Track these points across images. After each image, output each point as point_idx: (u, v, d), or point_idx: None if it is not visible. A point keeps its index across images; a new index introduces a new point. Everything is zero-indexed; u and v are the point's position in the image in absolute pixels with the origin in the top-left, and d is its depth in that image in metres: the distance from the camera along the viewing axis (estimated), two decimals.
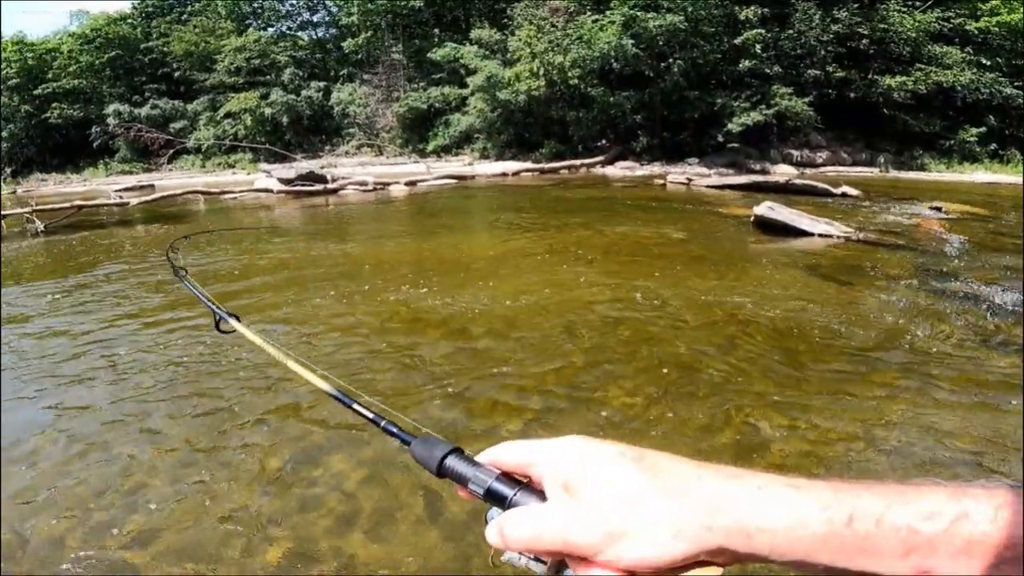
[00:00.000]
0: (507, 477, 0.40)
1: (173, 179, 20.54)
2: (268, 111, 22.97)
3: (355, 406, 0.60)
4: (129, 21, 27.05)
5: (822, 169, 16.99)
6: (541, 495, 0.38)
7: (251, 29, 26.35)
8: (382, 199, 12.97)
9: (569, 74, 17.79)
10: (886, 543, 0.30)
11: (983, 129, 17.13)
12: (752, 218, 7.59)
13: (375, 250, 6.83)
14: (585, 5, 19.48)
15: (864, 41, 17.39)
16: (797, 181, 12.27)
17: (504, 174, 17.17)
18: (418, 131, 22.66)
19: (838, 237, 6.72)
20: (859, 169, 17.19)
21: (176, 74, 25.22)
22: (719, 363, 3.34)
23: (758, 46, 16.94)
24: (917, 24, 16.89)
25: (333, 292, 4.90)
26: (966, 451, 2.50)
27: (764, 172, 15.85)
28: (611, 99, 18.28)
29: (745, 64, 16.99)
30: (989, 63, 16.99)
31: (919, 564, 0.29)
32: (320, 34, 28.36)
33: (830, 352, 3.47)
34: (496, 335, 3.80)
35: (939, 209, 8.87)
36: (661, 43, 17.31)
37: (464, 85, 20.44)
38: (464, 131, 21.04)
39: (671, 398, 2.95)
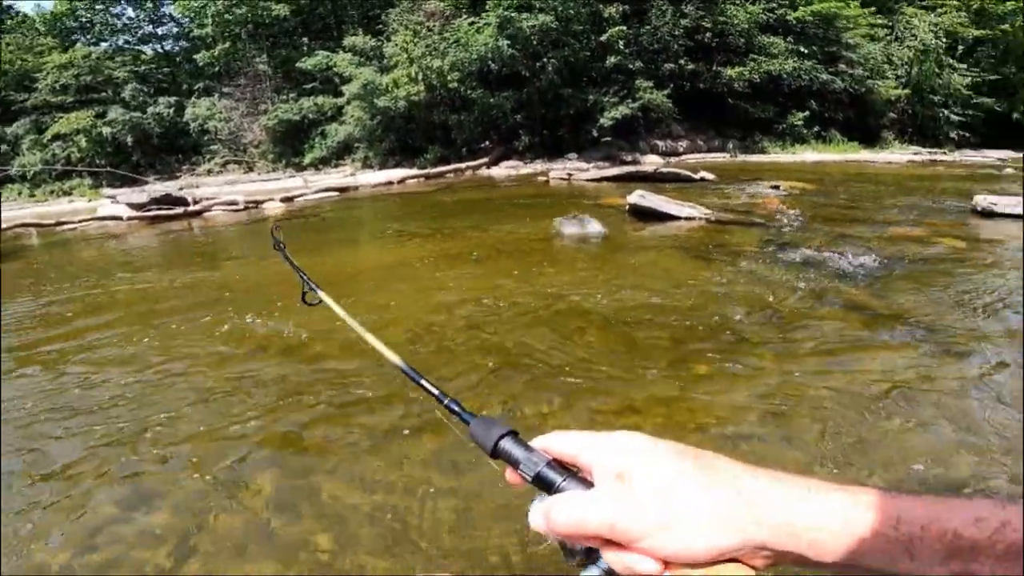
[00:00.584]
0: (558, 464, 0.41)
1: None
2: (107, 131, 20.32)
3: (422, 382, 0.61)
4: None
5: (684, 157, 18.64)
6: (587, 484, 0.39)
7: (79, 44, 23.20)
8: (256, 218, 12.02)
9: (448, 78, 17.78)
10: (930, 547, 0.31)
11: (807, 113, 19.81)
12: (627, 207, 8.10)
13: (246, 273, 6.31)
14: (461, 8, 19.57)
15: (708, 34, 19.20)
16: (664, 169, 13.36)
17: (389, 182, 16.72)
18: (291, 144, 21.32)
19: (700, 219, 7.40)
20: (714, 155, 19.10)
21: None
22: (584, 347, 3.52)
23: (621, 42, 18.13)
24: (748, 16, 18.99)
25: (183, 326, 4.43)
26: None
27: (636, 163, 17.04)
28: (491, 100, 18.55)
29: (611, 60, 18.11)
30: (807, 51, 19.54)
31: (959, 569, 0.30)
32: (167, 47, 25.62)
33: (698, 329, 3.79)
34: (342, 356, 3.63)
35: (777, 187, 10.13)
36: (535, 43, 17.89)
37: (339, 94, 19.60)
38: (343, 141, 20.17)
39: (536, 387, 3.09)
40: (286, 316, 4.30)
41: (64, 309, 5.23)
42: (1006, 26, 25.23)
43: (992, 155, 20.50)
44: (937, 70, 22.57)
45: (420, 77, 17.60)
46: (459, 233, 7.66)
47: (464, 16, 18.79)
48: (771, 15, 19.53)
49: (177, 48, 25.54)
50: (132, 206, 12.81)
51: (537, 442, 0.43)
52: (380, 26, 20.39)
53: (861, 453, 2.34)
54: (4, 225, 12.11)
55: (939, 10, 22.74)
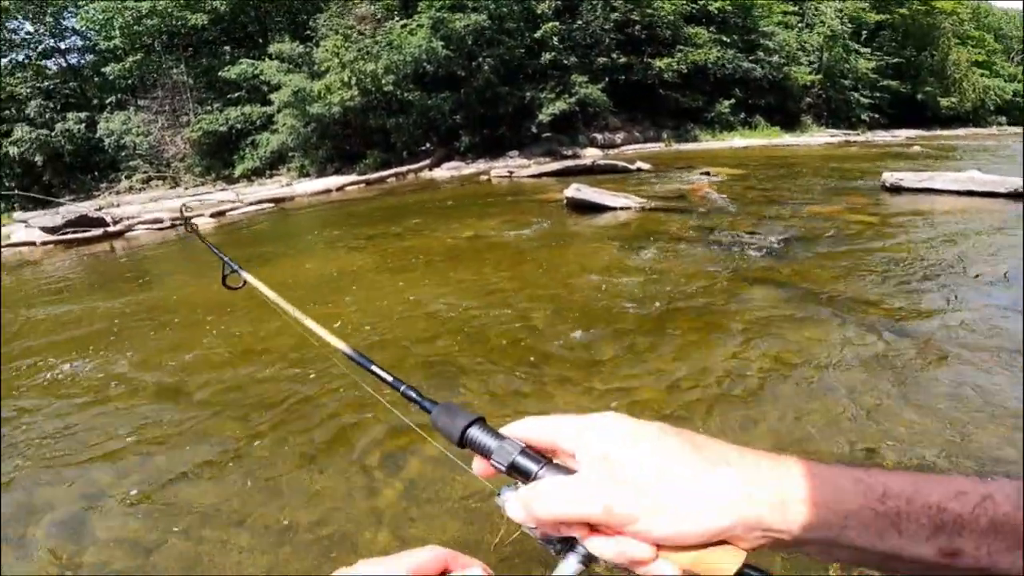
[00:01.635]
0: (532, 451, 0.39)
1: None
2: (14, 150, 18.77)
3: (374, 368, 0.57)
4: None
5: (622, 148, 19.14)
6: (567, 471, 0.37)
7: None
8: (185, 236, 11.41)
9: (383, 81, 17.44)
10: (916, 521, 0.31)
11: (732, 101, 20.78)
12: (565, 200, 8.24)
13: (171, 295, 5.99)
14: (392, 10, 19.24)
15: (637, 27, 19.75)
16: (601, 162, 13.66)
17: (328, 190, 16.24)
18: (220, 156, 20.34)
19: (634, 208, 7.62)
20: (650, 145, 19.73)
21: None
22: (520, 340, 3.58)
23: (555, 38, 18.37)
24: (674, 7, 19.68)
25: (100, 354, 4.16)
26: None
27: (576, 157, 17.32)
28: (429, 102, 18.37)
29: (546, 57, 18.34)
30: (728, 40, 20.48)
31: (945, 545, 0.30)
32: (72, 61, 23.81)
33: (631, 313, 3.91)
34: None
35: (708, 174, 10.58)
36: (469, 42, 17.85)
37: (268, 102, 18.84)
38: (276, 151, 19.41)
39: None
40: (221, 331, 4.12)
41: None
42: (904, 10, 27.32)
43: (901, 134, 22.20)
44: (845, 55, 24.18)
45: (354, 82, 17.19)
46: (401, 237, 7.56)
47: (396, 18, 18.52)
48: (694, 5, 20.34)
49: (84, 62, 23.81)
50: (46, 230, 11.89)
51: (508, 429, 0.41)
52: (308, 32, 19.77)
53: (785, 421, 2.49)
54: None
55: None
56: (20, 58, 23.21)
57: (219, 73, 19.69)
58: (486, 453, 0.40)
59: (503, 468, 0.39)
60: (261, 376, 3.44)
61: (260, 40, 21.20)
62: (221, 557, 2.00)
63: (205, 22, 20.48)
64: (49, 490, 2.52)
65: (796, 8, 24.47)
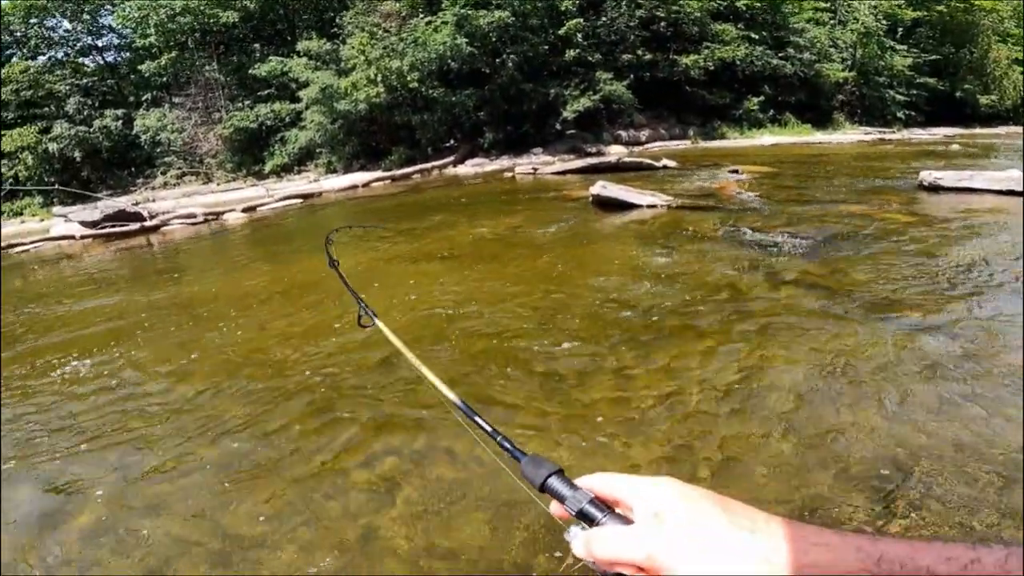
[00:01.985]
0: (599, 501, 0.47)
1: None
2: (53, 146, 19.47)
3: (477, 419, 0.66)
4: None
5: (647, 146, 18.95)
6: (625, 521, 0.45)
7: (15, 59, 22.14)
8: (218, 230, 11.71)
9: (408, 78, 17.58)
10: None
11: (761, 98, 20.37)
12: (590, 198, 8.21)
13: (215, 287, 6.17)
14: (417, 8, 19.38)
15: (662, 24, 19.51)
16: (627, 159, 13.55)
17: (354, 186, 16.48)
18: (251, 152, 20.79)
19: (661, 206, 7.55)
20: (675, 142, 19.48)
21: None
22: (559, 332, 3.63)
23: (579, 35, 18.27)
24: (700, 4, 19.39)
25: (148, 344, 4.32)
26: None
27: (600, 154, 17.22)
28: (453, 99, 18.46)
29: (570, 54, 18.25)
30: (757, 37, 20.09)
31: None
32: (110, 58, 24.59)
33: (657, 311, 3.88)
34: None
35: (736, 171, 10.40)
36: (493, 39, 17.87)
37: (296, 99, 19.19)
38: (304, 147, 19.77)
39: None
40: (251, 329, 4.24)
41: (24, 330, 5.03)
42: (942, 7, 26.42)
43: (938, 132, 21.46)
44: (879, 52, 23.49)
45: (379, 79, 17.37)
46: (427, 233, 7.63)
47: (421, 16, 18.64)
48: (721, 2, 20.00)
49: (120, 59, 24.57)
50: (85, 224, 12.32)
51: (582, 481, 0.49)
52: (335, 29, 20.05)
53: (811, 422, 2.45)
54: None
55: None
56: (59, 56, 24.08)
57: (249, 71, 20.12)
58: (561, 499, 0.49)
59: (573, 513, 0.48)
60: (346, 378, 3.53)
61: (288, 38, 21.58)
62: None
63: (236, 20, 20.91)
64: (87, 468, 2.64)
65: (828, 5, 23.87)
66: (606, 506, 0.47)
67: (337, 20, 20.12)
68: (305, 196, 15.30)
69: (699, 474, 2.20)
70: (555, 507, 0.50)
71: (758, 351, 3.17)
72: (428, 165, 18.16)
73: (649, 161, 12.48)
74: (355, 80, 17.43)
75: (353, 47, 17.81)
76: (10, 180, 19.34)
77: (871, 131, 20.91)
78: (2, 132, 19.70)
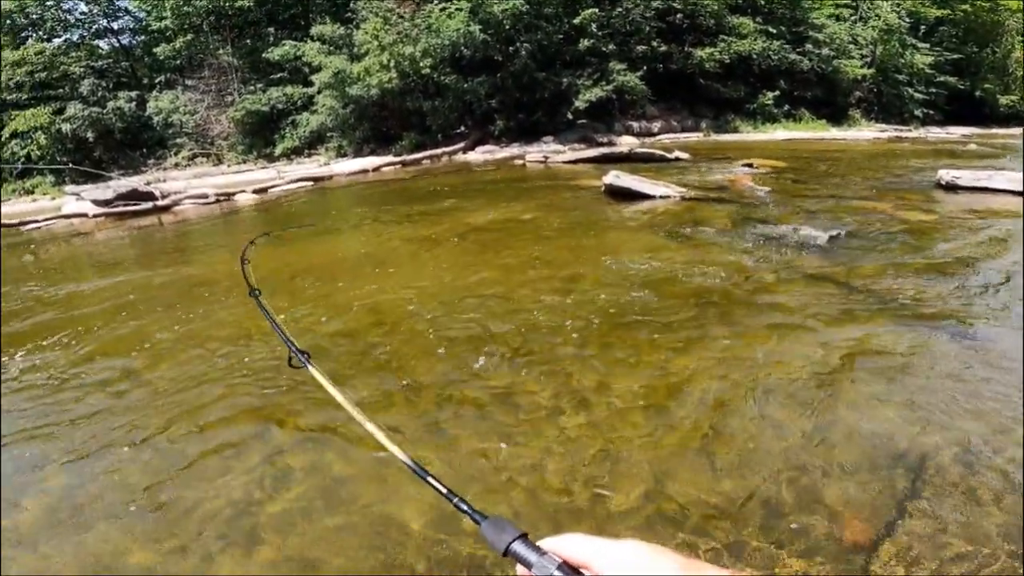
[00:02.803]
0: (567, 566, 0.46)
1: None
2: (67, 127, 19.58)
3: (429, 479, 0.62)
4: None
5: (658, 137, 18.78)
6: None
7: (30, 41, 22.25)
8: (229, 211, 11.76)
9: (421, 64, 17.50)
10: None
11: (776, 93, 20.11)
12: (603, 187, 8.16)
13: (228, 265, 6.20)
14: None
15: (678, 16, 19.26)
16: (639, 150, 13.44)
17: (364, 170, 16.47)
18: (262, 135, 20.81)
19: (674, 197, 7.49)
20: (687, 135, 19.30)
21: None
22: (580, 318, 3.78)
23: (594, 25, 18.07)
24: None
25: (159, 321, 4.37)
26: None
27: (611, 144, 17.09)
28: (465, 85, 18.35)
29: (584, 43, 18.08)
30: (775, 31, 19.81)
31: None
32: (124, 41, 24.67)
33: (671, 302, 3.87)
34: None
35: (750, 165, 10.30)
36: (507, 27, 17.72)
37: (309, 83, 19.17)
38: (315, 131, 19.77)
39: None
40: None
41: (36, 307, 5.09)
42: (966, 6, 25.91)
43: (956, 131, 21.12)
44: (900, 50, 23.10)
45: (392, 64, 17.30)
46: (436, 218, 7.62)
47: (435, 2, 18.49)
48: None
49: (135, 42, 24.63)
50: (97, 203, 12.41)
51: (548, 543, 0.49)
52: (349, 14, 19.95)
53: (822, 415, 2.44)
54: None
55: None
56: (74, 38, 24.17)
57: (263, 54, 20.09)
58: (528, 565, 0.48)
59: None
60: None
61: (302, 22, 21.50)
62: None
63: (251, 3, 20.85)
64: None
65: (850, 1, 23.43)
66: (573, 571, 0.47)
67: (351, 5, 20.01)
68: (316, 179, 15.32)
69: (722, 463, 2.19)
70: (521, 571, 0.49)
71: (770, 346, 3.15)
72: (438, 151, 18.10)
73: (661, 152, 12.38)
74: (368, 65, 17.37)
75: (367, 32, 17.73)
76: (22, 159, 19.49)
77: (887, 128, 20.62)
78: (14, 113, 19.83)
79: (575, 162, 13.33)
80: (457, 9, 17.27)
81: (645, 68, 18.81)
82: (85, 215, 12.26)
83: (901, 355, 2.91)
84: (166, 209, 12.36)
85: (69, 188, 15.84)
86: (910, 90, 23.63)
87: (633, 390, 2.69)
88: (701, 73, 19.59)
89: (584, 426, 2.43)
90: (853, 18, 23.59)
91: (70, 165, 18.46)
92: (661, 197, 7.54)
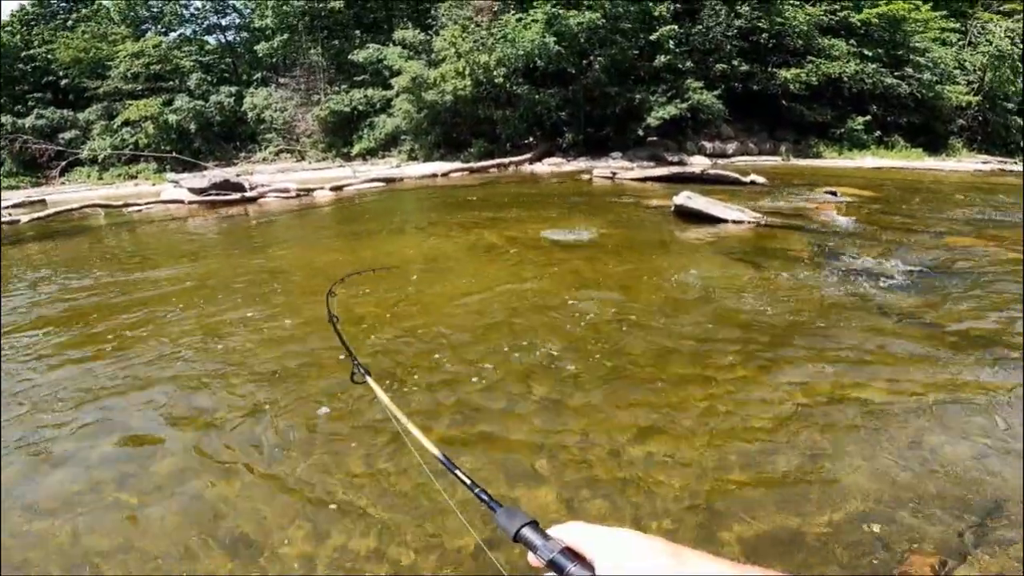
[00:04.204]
0: (569, 551, 0.51)
1: (67, 193, 18.68)
2: (173, 118, 21.45)
3: (456, 472, 0.70)
4: (7, 29, 24.39)
5: (733, 159, 18.15)
6: (591, 569, 0.49)
7: (149, 34, 24.59)
8: (307, 205, 12.47)
9: (495, 73, 17.88)
10: None
11: (868, 118, 18.93)
12: (672, 208, 8.00)
13: (304, 257, 6.59)
14: (509, 4, 19.64)
15: (763, 35, 18.62)
16: (711, 171, 13.05)
17: (434, 175, 16.99)
18: (341, 134, 21.96)
19: (748, 222, 7.22)
20: (764, 158, 18.53)
21: (63, 82, 23.00)
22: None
23: (671, 42, 17.77)
24: (808, 18, 18.30)
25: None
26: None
27: (682, 164, 16.71)
28: (536, 97, 18.55)
29: (660, 60, 17.81)
30: (871, 54, 18.68)
31: None
32: (230, 38, 26.86)
33: (740, 330, 3.74)
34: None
35: (834, 193, 9.75)
36: (582, 40, 17.77)
37: (388, 87, 20.05)
38: (390, 133, 20.63)
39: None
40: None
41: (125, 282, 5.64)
42: None
43: None
44: (1012, 77, 21.19)
45: (467, 72, 17.76)
46: (503, 227, 7.74)
47: (512, 12, 18.83)
48: (832, 17, 18.78)
49: (238, 39, 26.74)
50: (193, 190, 13.49)
51: (556, 530, 0.53)
52: (429, 20, 20.70)
53: (896, 457, 2.29)
54: (75, 205, 13.02)
55: (1016, 16, 21.26)
56: (188, 32, 26.53)
57: (348, 56, 21.21)
58: (534, 549, 0.53)
59: (544, 562, 0.52)
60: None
61: (386, 26, 22.54)
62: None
63: (341, 5, 22.09)
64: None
65: (958, 25, 21.71)
66: (575, 556, 0.50)
67: (432, 11, 20.73)
68: (388, 180, 15.96)
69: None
70: (531, 556, 0.54)
71: (842, 380, 3.00)
72: (506, 160, 18.37)
73: (735, 175, 11.95)
74: (444, 72, 17.94)
75: (445, 39, 18.31)
76: (130, 146, 21.50)
77: (990, 160, 18.90)
78: (128, 102, 21.89)
79: (643, 180, 13.13)
80: (533, 20, 17.51)
81: (723, 87, 18.27)
82: (181, 201, 13.37)
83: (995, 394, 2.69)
84: (252, 200, 13.27)
85: (170, 176, 17.32)
86: (1019, 119, 21.61)
87: (707, 424, 2.66)
88: (784, 94, 18.78)
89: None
90: (960, 43, 21.88)
91: (173, 154, 20.20)
92: (734, 222, 7.29)
